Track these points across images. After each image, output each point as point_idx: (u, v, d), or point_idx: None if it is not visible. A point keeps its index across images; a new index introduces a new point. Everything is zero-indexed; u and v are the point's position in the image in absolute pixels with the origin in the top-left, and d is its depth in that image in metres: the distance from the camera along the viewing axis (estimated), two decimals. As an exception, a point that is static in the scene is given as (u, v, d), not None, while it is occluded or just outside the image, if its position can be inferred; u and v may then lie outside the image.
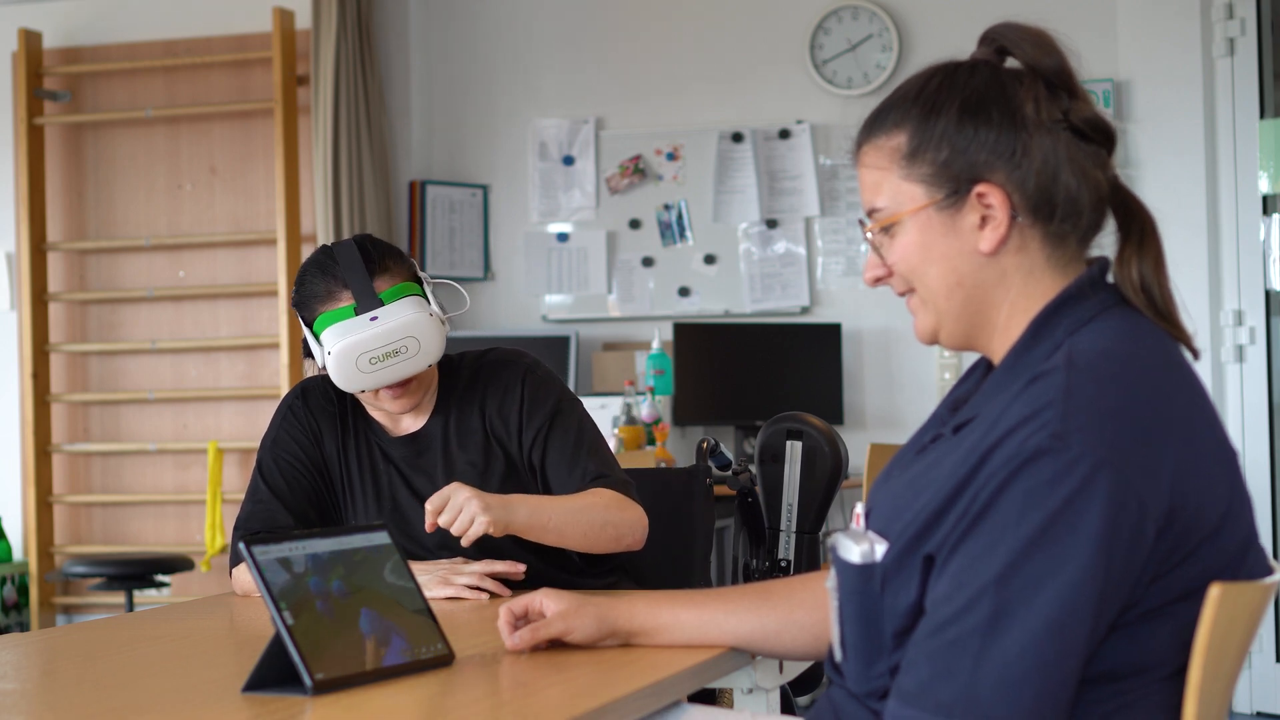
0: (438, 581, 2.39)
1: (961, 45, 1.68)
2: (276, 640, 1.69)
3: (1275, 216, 5.18)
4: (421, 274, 2.58)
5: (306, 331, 2.55)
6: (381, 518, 2.59)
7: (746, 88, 5.81)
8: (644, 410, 5.20)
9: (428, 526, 2.37)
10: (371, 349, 2.46)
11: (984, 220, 1.57)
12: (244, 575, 2.55)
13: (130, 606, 5.52)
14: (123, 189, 6.19)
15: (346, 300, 2.49)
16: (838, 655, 1.67)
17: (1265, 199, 5.19)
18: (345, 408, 2.67)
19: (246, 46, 6.03)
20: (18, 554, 6.22)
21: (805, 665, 2.23)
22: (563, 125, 5.95)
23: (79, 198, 6.23)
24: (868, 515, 1.65)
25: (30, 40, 6.12)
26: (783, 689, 2.15)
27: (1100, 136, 1.59)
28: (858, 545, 1.59)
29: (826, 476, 3.06)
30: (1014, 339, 1.59)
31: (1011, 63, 1.62)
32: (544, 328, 5.93)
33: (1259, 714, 5.19)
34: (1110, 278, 1.60)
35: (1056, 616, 1.41)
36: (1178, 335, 1.58)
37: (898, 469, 1.67)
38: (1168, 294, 1.58)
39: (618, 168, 5.91)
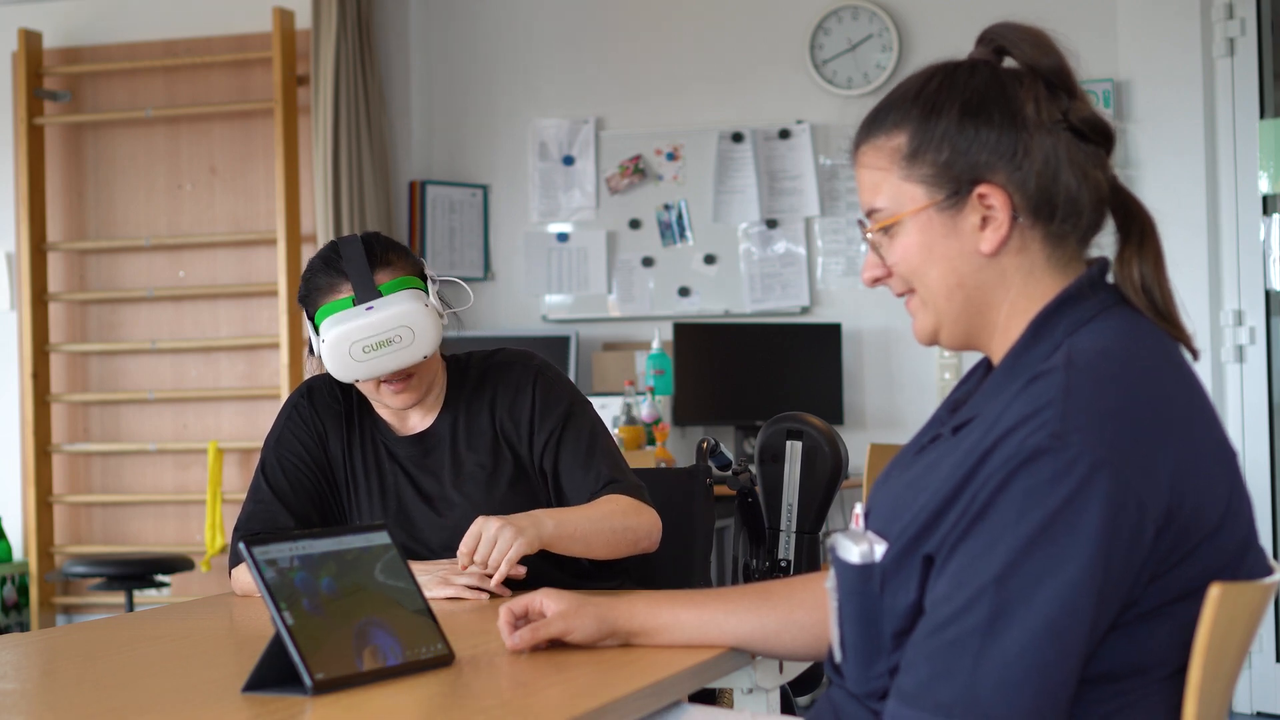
0: (438, 581, 2.39)
1: (961, 45, 1.68)
2: (276, 640, 1.69)
3: (1275, 216, 5.18)
4: (429, 271, 2.59)
5: (309, 326, 2.55)
6: (387, 518, 2.58)
7: (746, 88, 5.81)
8: (644, 410, 5.20)
9: (461, 567, 2.38)
10: (364, 337, 2.46)
11: (985, 221, 1.57)
12: (244, 575, 2.55)
13: (130, 606, 5.52)
14: (123, 189, 6.19)
15: (346, 292, 2.49)
16: (837, 655, 1.67)
17: (1265, 199, 5.19)
18: (352, 406, 2.66)
19: (246, 46, 6.03)
20: (18, 554, 6.22)
21: (805, 665, 2.23)
22: (563, 125, 5.95)
23: (79, 198, 6.23)
24: (867, 516, 1.65)
25: (30, 40, 6.12)
26: (783, 689, 2.15)
27: (1099, 136, 1.59)
28: (857, 545, 1.59)
29: (826, 476, 3.06)
30: (1014, 339, 1.59)
31: (1010, 62, 1.62)
32: (544, 328, 5.93)
33: (1259, 714, 5.20)
34: (1110, 278, 1.60)
35: (1056, 616, 1.41)
36: (1178, 335, 1.58)
37: (897, 470, 1.67)
38: (1168, 294, 1.58)
39: (618, 168, 5.91)
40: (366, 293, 2.48)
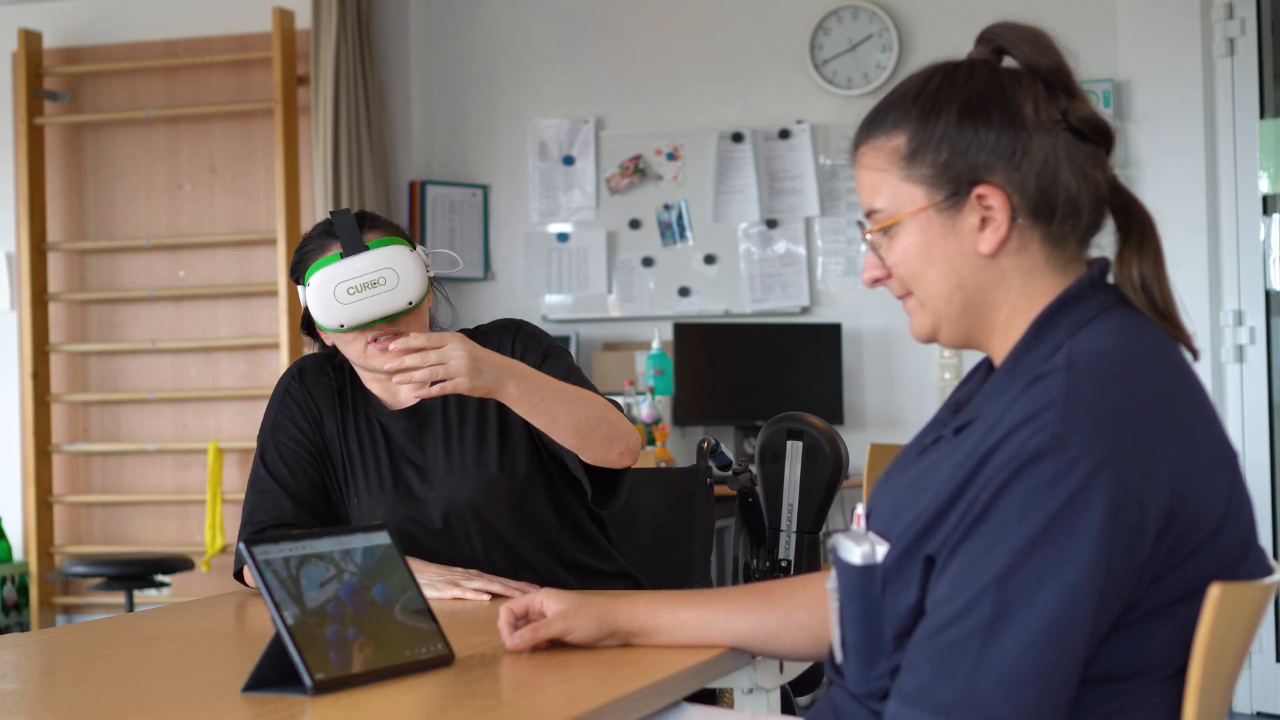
0: (446, 583, 2.39)
1: (961, 45, 1.67)
2: (276, 640, 1.69)
3: (1275, 216, 5.18)
4: (419, 247, 2.59)
5: (301, 293, 2.55)
6: (383, 494, 2.58)
7: (746, 88, 5.81)
8: (644, 410, 5.20)
9: (389, 365, 2.33)
10: (349, 278, 2.46)
11: (984, 222, 1.57)
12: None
13: (130, 606, 5.52)
14: (123, 189, 6.19)
15: (336, 249, 2.51)
16: (838, 656, 1.67)
17: (1265, 199, 5.19)
18: (344, 382, 2.65)
19: (246, 46, 6.03)
20: (18, 554, 6.22)
21: (805, 665, 2.23)
22: (563, 125, 5.95)
23: (79, 198, 6.23)
24: (868, 516, 1.65)
25: (30, 40, 6.12)
26: (783, 689, 2.15)
27: (1099, 136, 1.59)
28: (858, 546, 1.59)
29: (826, 476, 3.06)
30: (1014, 340, 1.59)
31: (1009, 62, 1.62)
32: (544, 328, 5.91)
33: (1259, 714, 5.20)
34: (1110, 278, 1.60)
35: (1057, 617, 1.41)
36: (1178, 335, 1.58)
37: (897, 471, 1.66)
38: (1168, 294, 1.58)
39: (618, 168, 5.91)
40: (355, 247, 2.49)
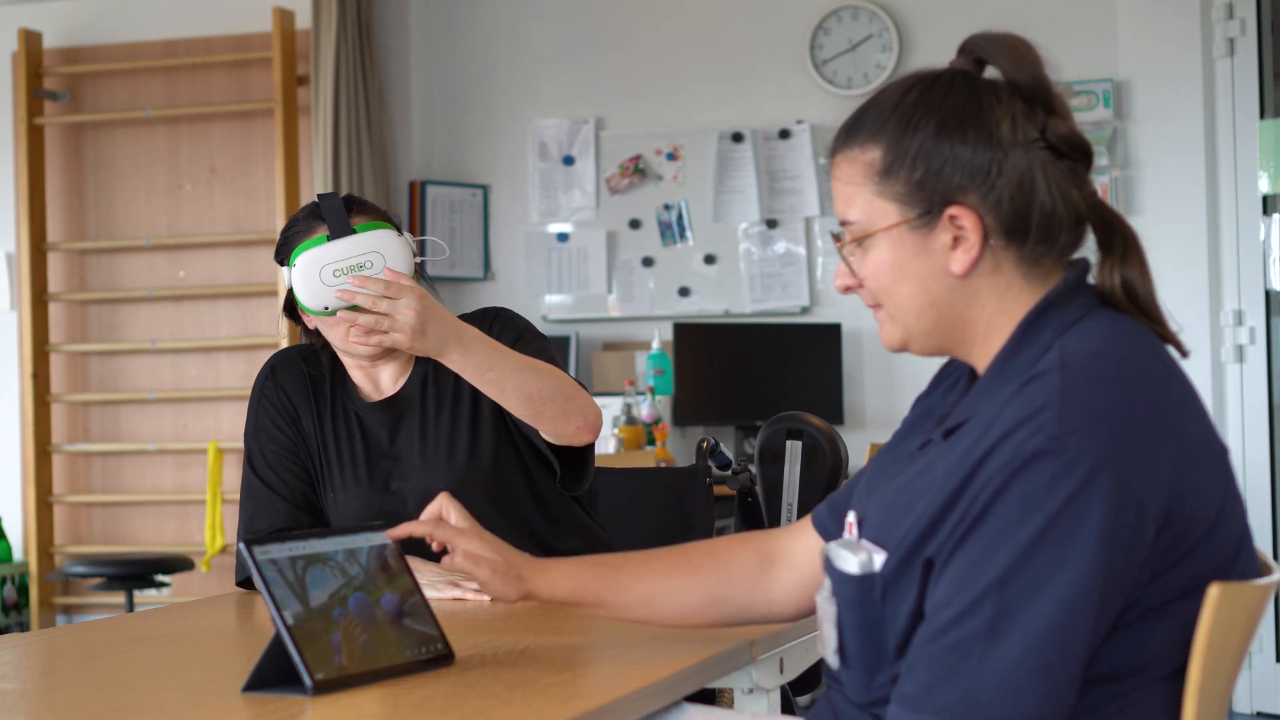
0: (446, 583, 2.39)
1: (962, 45, 1.67)
2: (276, 640, 1.69)
3: (1275, 216, 5.18)
4: (405, 233, 2.58)
5: (285, 275, 2.53)
6: (359, 487, 2.57)
7: (746, 88, 5.82)
8: (644, 410, 5.20)
9: (339, 291, 2.40)
10: (335, 260, 2.45)
11: (956, 241, 1.56)
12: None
13: (130, 606, 5.52)
14: (123, 189, 6.19)
15: (322, 232, 2.50)
16: (834, 664, 1.67)
17: (1265, 199, 5.19)
18: (321, 373, 2.64)
19: (246, 46, 6.03)
20: (18, 554, 6.22)
21: (805, 665, 2.22)
22: (563, 125, 5.95)
23: (79, 198, 6.24)
24: (860, 524, 1.64)
25: (30, 40, 6.12)
26: (783, 689, 2.15)
27: (1077, 153, 1.56)
28: (855, 555, 1.58)
29: (826, 476, 3.06)
30: (997, 346, 1.59)
31: (991, 71, 1.61)
32: (544, 328, 5.93)
33: (1259, 714, 5.20)
34: (1091, 279, 1.59)
35: (1058, 619, 1.41)
36: (1164, 334, 1.58)
37: (884, 477, 1.66)
38: (1151, 292, 1.57)
39: (618, 168, 5.91)
40: (342, 230, 2.48)
